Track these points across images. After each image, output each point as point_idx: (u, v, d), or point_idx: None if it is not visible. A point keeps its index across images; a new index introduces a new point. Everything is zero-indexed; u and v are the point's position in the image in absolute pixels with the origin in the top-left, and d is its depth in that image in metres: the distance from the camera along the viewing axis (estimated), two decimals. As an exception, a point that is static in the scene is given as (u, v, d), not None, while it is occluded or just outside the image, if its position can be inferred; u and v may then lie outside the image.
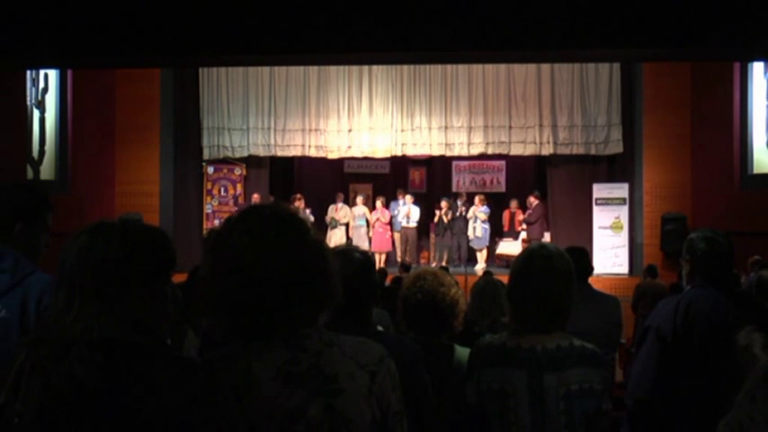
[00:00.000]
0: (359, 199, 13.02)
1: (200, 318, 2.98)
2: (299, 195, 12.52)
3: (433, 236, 13.20)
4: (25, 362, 1.38)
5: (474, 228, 12.47)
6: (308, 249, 1.38)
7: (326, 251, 1.42)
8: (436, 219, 12.77)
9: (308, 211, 12.31)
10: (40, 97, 10.70)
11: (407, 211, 12.71)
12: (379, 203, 12.81)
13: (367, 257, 2.18)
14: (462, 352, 2.59)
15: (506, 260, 12.45)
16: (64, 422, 1.31)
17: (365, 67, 12.31)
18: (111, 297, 1.39)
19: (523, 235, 12.34)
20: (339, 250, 2.08)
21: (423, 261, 13.19)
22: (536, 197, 12.29)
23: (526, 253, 2.17)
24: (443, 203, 12.79)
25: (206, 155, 12.75)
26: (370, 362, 1.38)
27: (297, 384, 1.31)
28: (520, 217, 12.41)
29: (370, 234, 12.80)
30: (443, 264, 12.16)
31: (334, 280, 1.40)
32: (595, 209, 11.99)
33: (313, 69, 12.42)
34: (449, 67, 12.21)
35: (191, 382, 1.36)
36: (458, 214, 12.80)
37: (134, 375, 1.34)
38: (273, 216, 1.39)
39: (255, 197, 12.41)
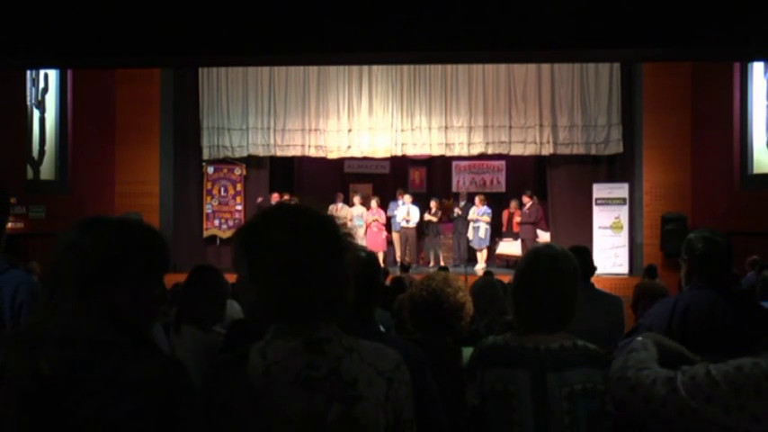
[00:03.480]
0: (356, 199, 13.01)
1: (206, 314, 2.99)
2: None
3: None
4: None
5: (475, 228, 12.47)
6: (340, 255, 1.39)
7: (344, 259, 1.42)
8: (427, 218, 12.78)
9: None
10: (40, 97, 10.71)
11: (407, 212, 12.71)
12: (374, 203, 12.80)
13: (372, 257, 2.17)
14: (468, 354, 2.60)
15: (506, 260, 12.46)
16: (35, 419, 1.29)
17: (365, 67, 12.30)
18: (91, 293, 1.36)
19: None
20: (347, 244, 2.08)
21: (422, 261, 13.19)
22: (529, 197, 12.29)
23: (532, 253, 2.16)
24: (433, 203, 12.80)
25: (206, 155, 12.75)
26: (387, 369, 1.37)
27: (315, 389, 1.30)
28: (518, 218, 12.41)
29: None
30: (441, 264, 12.16)
31: (348, 286, 1.41)
32: (595, 209, 11.99)
33: (313, 69, 12.41)
34: (449, 67, 12.20)
35: (164, 381, 1.34)
36: (455, 215, 12.81)
37: (98, 374, 1.31)
38: (314, 217, 1.40)
39: (275, 196, 12.37)
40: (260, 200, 12.55)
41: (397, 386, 1.37)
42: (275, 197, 12.36)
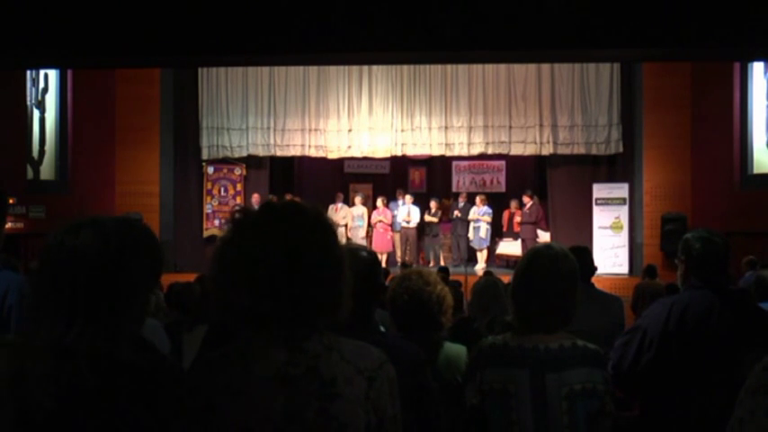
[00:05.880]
0: (357, 199, 13.01)
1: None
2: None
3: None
4: (3, 367, 1.34)
5: (475, 228, 12.47)
6: (327, 257, 1.37)
7: (345, 264, 1.40)
8: (428, 219, 12.77)
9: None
10: (40, 97, 10.71)
11: (407, 212, 12.71)
12: (380, 204, 12.80)
13: (373, 257, 2.17)
14: (451, 348, 2.59)
15: (506, 260, 12.46)
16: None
17: (365, 67, 12.30)
18: (116, 311, 1.36)
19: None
20: (346, 249, 2.07)
21: (422, 261, 13.20)
22: (530, 197, 12.29)
23: (531, 253, 2.16)
24: (432, 203, 12.81)
25: (205, 155, 12.74)
26: (368, 367, 1.37)
27: (294, 386, 1.30)
28: (518, 218, 12.41)
29: (370, 234, 12.79)
30: (441, 263, 12.15)
31: (342, 295, 1.39)
32: (595, 209, 11.99)
33: (313, 69, 12.41)
34: (449, 67, 12.20)
35: (159, 382, 1.35)
36: (454, 216, 12.81)
37: (129, 396, 1.31)
38: (304, 216, 1.39)
39: (255, 197, 12.41)
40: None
41: (378, 385, 1.36)
42: (255, 198, 12.33)
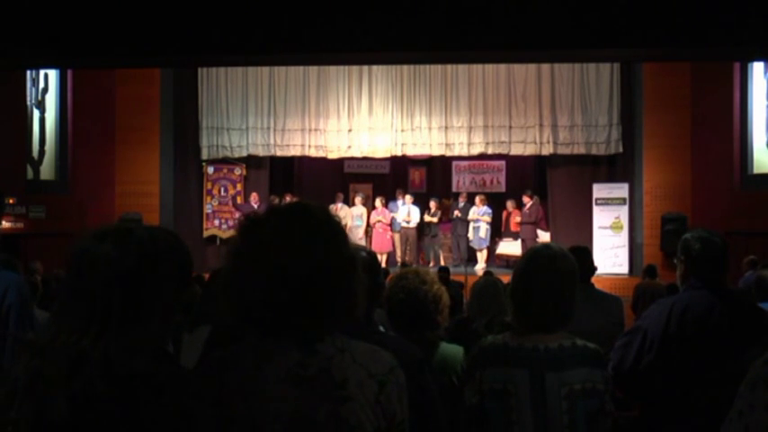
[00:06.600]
0: (357, 199, 13.01)
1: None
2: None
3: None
4: (23, 367, 1.34)
5: (475, 228, 12.47)
6: (341, 258, 1.36)
7: (358, 264, 1.40)
8: (427, 219, 12.77)
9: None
10: (40, 97, 10.71)
11: (407, 212, 12.71)
12: (379, 204, 12.80)
13: (373, 257, 2.17)
14: (447, 348, 2.59)
15: (506, 260, 12.46)
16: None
17: (365, 67, 12.30)
18: (132, 322, 1.35)
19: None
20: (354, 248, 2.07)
21: (422, 261, 13.20)
22: (530, 197, 12.28)
23: (530, 253, 2.16)
24: (432, 204, 12.81)
25: (205, 155, 12.75)
26: (380, 371, 1.36)
27: (305, 388, 1.30)
28: (517, 218, 12.40)
29: (370, 234, 12.79)
30: (441, 263, 12.14)
31: (356, 295, 1.38)
32: (595, 209, 11.99)
33: (313, 69, 12.41)
34: (449, 67, 12.21)
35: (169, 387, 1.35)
36: (454, 216, 12.81)
37: (142, 406, 1.31)
38: (315, 218, 1.38)
39: (254, 196, 12.42)
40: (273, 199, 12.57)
41: (389, 389, 1.35)
42: (254, 197, 12.34)
